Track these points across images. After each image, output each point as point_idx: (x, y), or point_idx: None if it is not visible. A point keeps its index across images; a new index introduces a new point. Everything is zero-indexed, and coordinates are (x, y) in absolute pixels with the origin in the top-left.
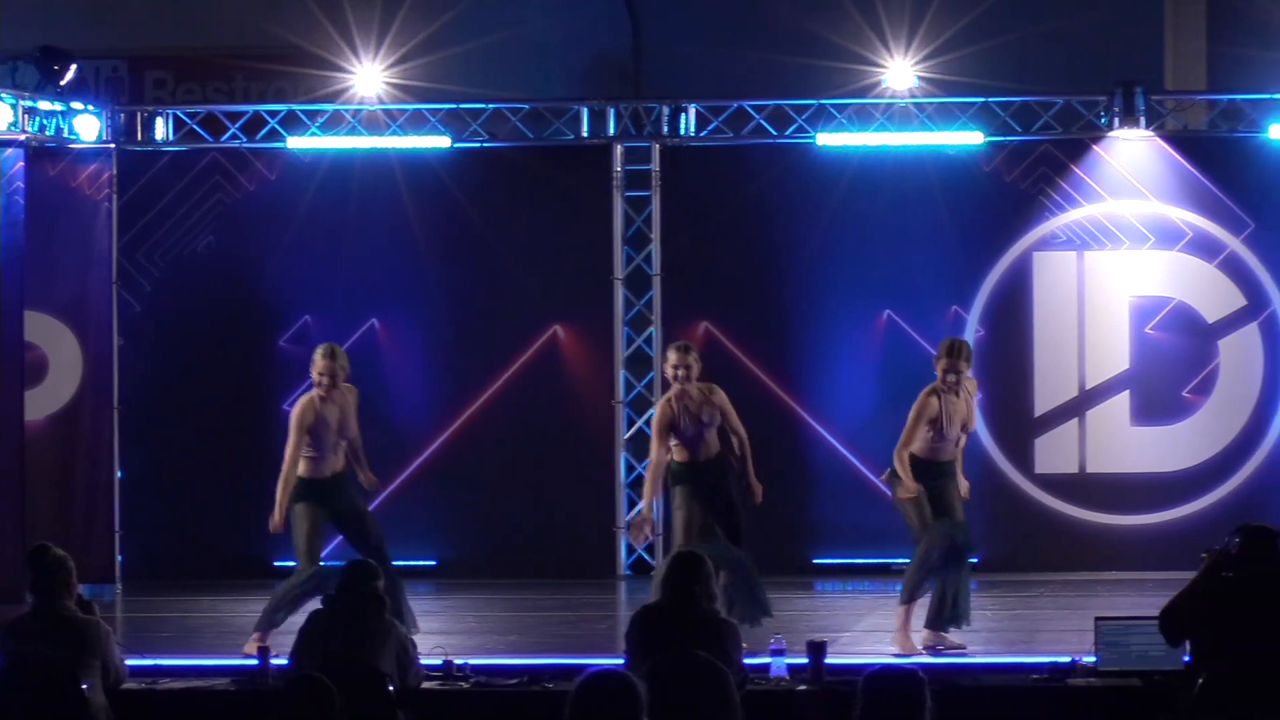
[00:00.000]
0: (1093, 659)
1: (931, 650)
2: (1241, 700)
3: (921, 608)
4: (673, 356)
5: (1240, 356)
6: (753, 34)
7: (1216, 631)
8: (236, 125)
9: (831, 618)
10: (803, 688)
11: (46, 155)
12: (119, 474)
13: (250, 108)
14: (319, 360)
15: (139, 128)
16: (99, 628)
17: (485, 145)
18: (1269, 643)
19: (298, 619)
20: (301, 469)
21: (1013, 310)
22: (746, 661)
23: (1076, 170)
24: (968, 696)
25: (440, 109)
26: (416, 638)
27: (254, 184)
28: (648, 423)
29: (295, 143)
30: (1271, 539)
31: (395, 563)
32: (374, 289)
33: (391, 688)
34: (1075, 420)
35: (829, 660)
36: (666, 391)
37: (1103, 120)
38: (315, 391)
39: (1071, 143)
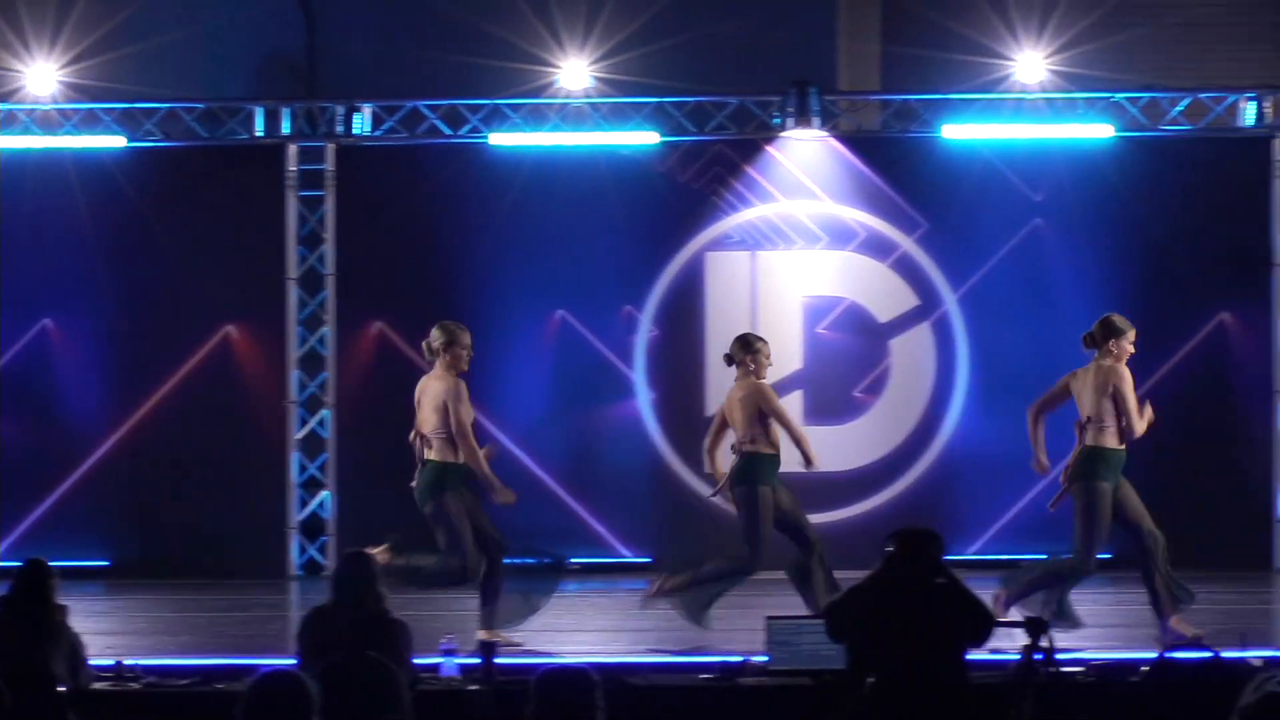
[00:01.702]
0: (764, 658)
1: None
2: (896, 700)
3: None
4: (767, 348)
5: (912, 356)
6: (428, 34)
7: (871, 632)
8: None
9: None
10: (474, 687)
11: None
12: None
13: None
14: (465, 338)
15: None
16: None
17: (160, 145)
18: (920, 645)
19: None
20: (444, 453)
21: (686, 310)
22: (417, 661)
23: (750, 170)
24: (640, 696)
25: (115, 108)
26: (87, 639)
27: None
28: (320, 423)
29: None
30: (923, 542)
31: (65, 563)
32: (47, 289)
33: (62, 688)
34: None
35: (499, 660)
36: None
37: (776, 120)
38: (456, 368)
39: (745, 143)
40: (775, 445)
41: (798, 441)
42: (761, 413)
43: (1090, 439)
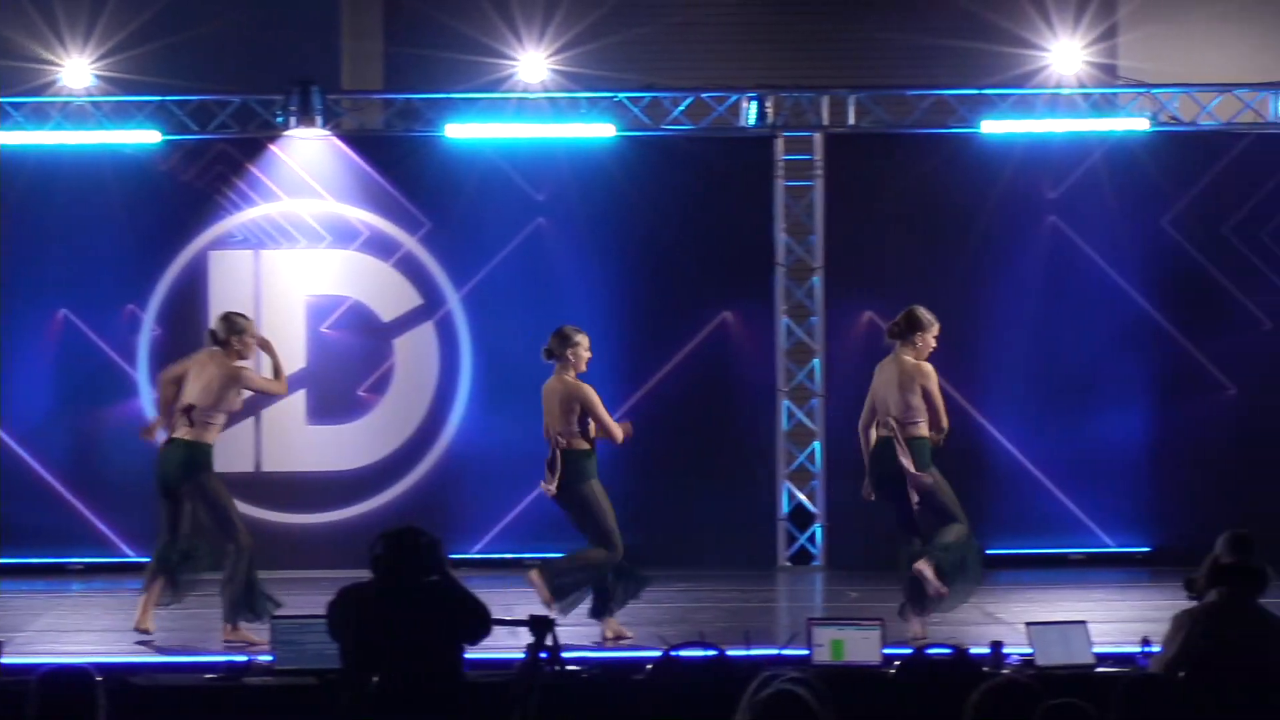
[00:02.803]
0: (269, 657)
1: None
2: (395, 701)
3: None
4: (587, 340)
5: (416, 355)
6: None
7: (365, 632)
8: None
9: (6, 618)
10: None
11: None
12: None
13: None
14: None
15: None
16: None
17: None
18: (414, 644)
19: None
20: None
21: (189, 309)
22: None
23: (253, 169)
24: (143, 696)
25: None
26: None
27: None
28: None
29: None
30: (412, 541)
31: None
32: None
33: None
34: (251, 419)
35: (4, 661)
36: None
37: (280, 119)
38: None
39: (249, 141)
40: (591, 440)
41: (610, 437)
42: (583, 411)
43: (901, 435)
